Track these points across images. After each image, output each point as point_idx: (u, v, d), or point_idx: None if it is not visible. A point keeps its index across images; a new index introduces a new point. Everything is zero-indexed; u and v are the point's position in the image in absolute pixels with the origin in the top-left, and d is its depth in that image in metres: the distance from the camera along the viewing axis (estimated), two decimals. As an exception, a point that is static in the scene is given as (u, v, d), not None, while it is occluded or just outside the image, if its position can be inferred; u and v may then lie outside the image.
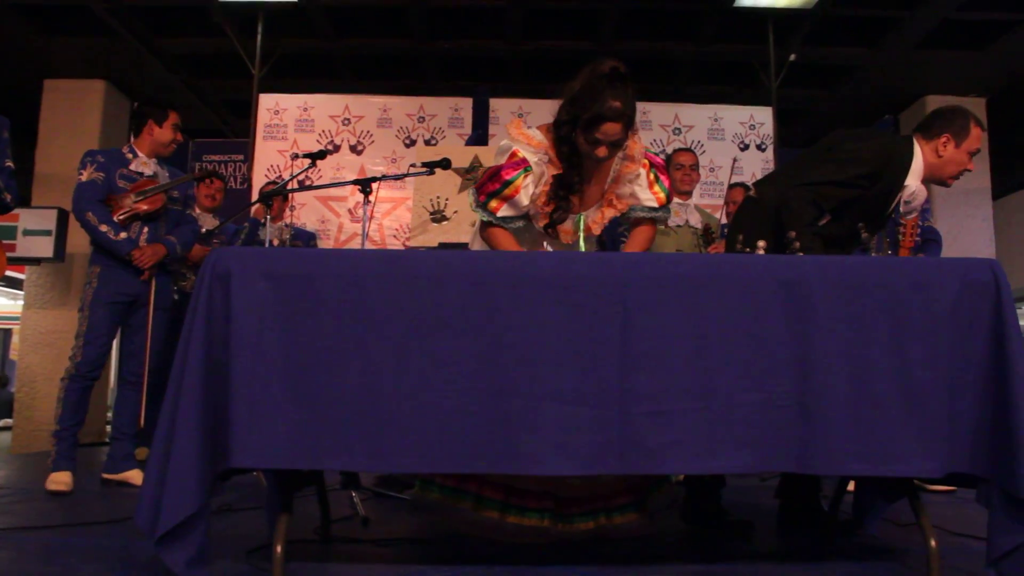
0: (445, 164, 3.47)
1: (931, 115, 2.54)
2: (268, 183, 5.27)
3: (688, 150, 4.22)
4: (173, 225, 3.47)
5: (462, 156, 4.92)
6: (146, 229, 3.34)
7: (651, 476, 2.15)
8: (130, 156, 3.39)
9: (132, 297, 3.32)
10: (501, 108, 6.01)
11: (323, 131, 5.99)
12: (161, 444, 1.68)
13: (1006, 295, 1.76)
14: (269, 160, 5.92)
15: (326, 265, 1.75)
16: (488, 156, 4.69)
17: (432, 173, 3.47)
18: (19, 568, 1.91)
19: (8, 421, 7.12)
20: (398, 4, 5.58)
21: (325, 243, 5.65)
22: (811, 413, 1.72)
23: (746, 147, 6.10)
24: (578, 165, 2.18)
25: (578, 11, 5.76)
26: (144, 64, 6.20)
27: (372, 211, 4.01)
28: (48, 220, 5.94)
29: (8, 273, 3.96)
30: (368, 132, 6.01)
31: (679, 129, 6.10)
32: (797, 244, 2.07)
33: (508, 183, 2.16)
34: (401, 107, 6.07)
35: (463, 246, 3.82)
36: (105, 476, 3.39)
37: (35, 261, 6.04)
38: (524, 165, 2.17)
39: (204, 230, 4.02)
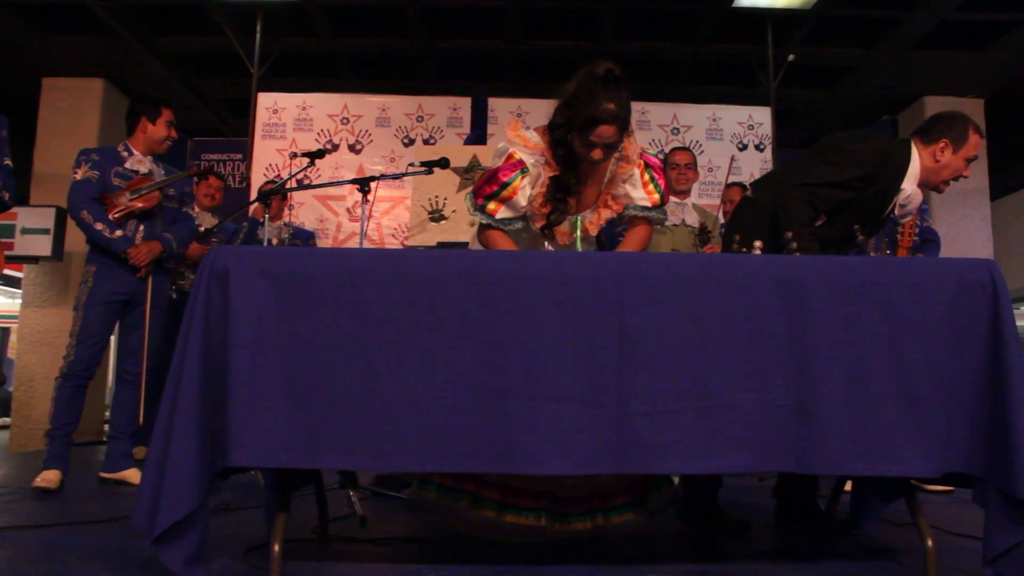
0: (444, 163, 3.47)
1: (930, 120, 2.54)
2: (267, 182, 5.27)
3: (684, 149, 4.15)
4: (169, 223, 3.47)
5: (461, 156, 4.91)
6: (142, 227, 3.34)
7: (649, 476, 2.14)
8: (125, 154, 3.39)
9: (128, 296, 3.32)
10: (500, 108, 6.02)
11: (322, 130, 5.99)
12: (159, 443, 1.68)
13: (1003, 295, 1.77)
14: (268, 159, 5.93)
15: (324, 264, 1.75)
16: (487, 155, 4.69)
17: (431, 172, 3.48)
18: (16, 567, 1.91)
19: (6, 420, 7.11)
20: (397, 4, 5.58)
21: (324, 242, 5.65)
22: (808, 413, 1.72)
23: (744, 147, 6.11)
24: (574, 167, 2.18)
25: (577, 11, 5.76)
26: (143, 63, 6.19)
27: (371, 210, 4.00)
28: (46, 219, 5.93)
29: (6, 272, 3.95)
30: (367, 131, 6.01)
31: (678, 129, 6.10)
32: (795, 244, 2.07)
33: (506, 185, 2.17)
34: (400, 106, 6.07)
35: (461, 245, 3.83)
36: (103, 475, 3.39)
37: (33, 260, 6.04)
38: (521, 167, 2.17)
39: (203, 229, 4.02)
